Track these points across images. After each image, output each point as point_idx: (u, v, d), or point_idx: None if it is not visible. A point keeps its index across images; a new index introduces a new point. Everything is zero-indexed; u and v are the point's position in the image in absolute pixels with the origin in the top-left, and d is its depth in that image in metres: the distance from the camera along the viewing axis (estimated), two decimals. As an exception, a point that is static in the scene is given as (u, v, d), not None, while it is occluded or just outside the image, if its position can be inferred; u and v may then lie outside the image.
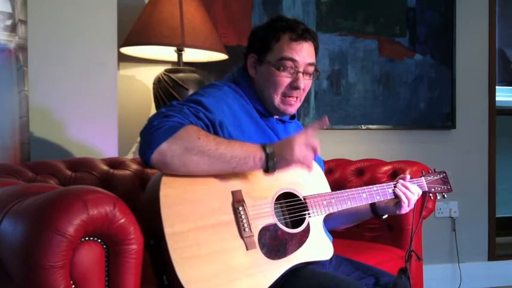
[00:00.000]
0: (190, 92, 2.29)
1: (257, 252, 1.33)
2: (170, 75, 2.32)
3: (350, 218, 1.75)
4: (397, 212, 1.66)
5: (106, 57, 2.28)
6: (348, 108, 3.02)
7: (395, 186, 1.66)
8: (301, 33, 1.52)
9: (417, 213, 1.80)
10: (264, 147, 1.32)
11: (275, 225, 1.38)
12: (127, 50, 2.39)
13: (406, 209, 1.65)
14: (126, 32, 2.33)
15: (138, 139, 2.69)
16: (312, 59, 1.55)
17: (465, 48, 3.29)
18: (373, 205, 1.68)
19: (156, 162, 1.25)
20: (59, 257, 1.02)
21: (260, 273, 1.31)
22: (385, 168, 2.27)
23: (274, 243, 1.36)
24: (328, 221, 1.62)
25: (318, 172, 1.58)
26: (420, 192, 1.69)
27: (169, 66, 2.46)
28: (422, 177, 1.78)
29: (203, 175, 1.30)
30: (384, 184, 1.66)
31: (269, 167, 1.32)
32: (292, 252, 1.39)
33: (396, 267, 1.66)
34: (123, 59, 2.50)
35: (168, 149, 1.24)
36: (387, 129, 3.15)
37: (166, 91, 2.30)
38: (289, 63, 1.51)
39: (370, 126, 3.09)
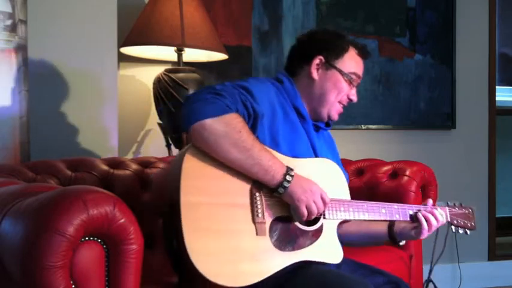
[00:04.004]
0: (190, 92, 2.29)
1: (266, 240, 1.34)
2: (170, 75, 2.31)
3: (366, 239, 1.68)
4: (416, 238, 1.59)
5: (106, 57, 2.28)
6: (348, 108, 2.97)
7: (418, 211, 1.58)
8: (365, 51, 1.65)
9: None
10: (286, 173, 1.36)
11: (289, 218, 1.40)
12: (127, 50, 2.39)
13: (425, 235, 1.57)
14: (126, 32, 2.33)
15: (138, 139, 2.71)
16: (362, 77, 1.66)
17: (465, 48, 3.29)
18: (391, 230, 1.61)
19: (193, 131, 1.31)
20: (59, 257, 1.02)
21: (265, 261, 1.33)
22: (385, 168, 2.27)
23: (285, 235, 1.38)
24: (344, 236, 1.58)
25: (341, 178, 1.58)
26: (444, 221, 1.63)
27: (169, 66, 2.46)
28: (447, 208, 1.72)
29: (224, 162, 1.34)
30: (405, 205, 1.61)
31: (278, 191, 1.36)
32: (300, 248, 1.40)
33: (396, 268, 1.66)
34: (123, 59, 2.50)
35: (209, 126, 1.30)
36: (387, 129, 3.15)
37: (167, 91, 2.30)
38: (355, 77, 1.61)
39: (370, 126, 3.09)
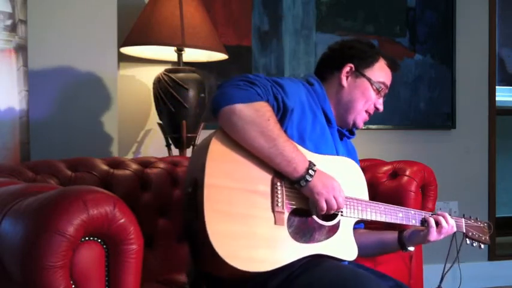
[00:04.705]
0: (191, 92, 2.29)
1: (283, 229, 1.36)
2: (170, 75, 2.31)
3: (374, 247, 1.69)
4: (424, 241, 1.60)
5: (106, 57, 2.28)
6: (348, 108, 3.02)
7: (432, 215, 1.61)
8: (394, 62, 1.70)
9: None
10: (309, 167, 1.38)
11: (307, 211, 1.42)
12: (127, 50, 2.39)
13: (434, 235, 1.58)
14: (126, 32, 2.33)
15: (138, 139, 2.71)
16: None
17: (465, 48, 3.29)
18: (400, 236, 1.63)
19: (223, 114, 1.34)
20: (59, 257, 1.02)
21: (280, 250, 1.35)
22: (385, 168, 2.27)
23: (302, 227, 1.40)
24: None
25: (361, 179, 1.61)
26: (454, 228, 1.64)
27: (169, 66, 2.46)
28: (463, 219, 1.73)
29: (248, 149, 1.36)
30: (422, 211, 1.64)
31: (299, 184, 1.38)
32: (316, 242, 1.41)
33: (396, 268, 1.66)
34: (123, 59, 2.50)
35: (239, 111, 1.33)
36: (387, 129, 3.15)
37: (167, 91, 2.30)
38: (383, 87, 1.64)
39: (370, 126, 3.09)
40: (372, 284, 1.30)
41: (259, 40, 2.88)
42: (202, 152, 1.34)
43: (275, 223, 1.35)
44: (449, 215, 1.64)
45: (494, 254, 3.37)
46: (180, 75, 2.32)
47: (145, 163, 1.96)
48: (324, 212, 1.41)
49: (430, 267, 2.90)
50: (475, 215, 3.42)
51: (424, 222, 1.60)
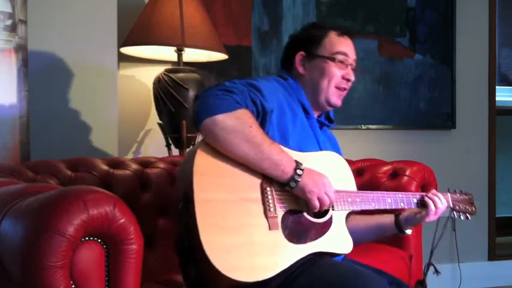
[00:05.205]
0: (191, 92, 2.29)
1: (278, 233, 1.36)
2: (170, 75, 2.31)
3: (373, 232, 1.71)
4: (422, 220, 1.63)
5: (106, 57, 2.28)
6: (348, 108, 3.02)
7: (421, 197, 1.65)
8: (347, 29, 1.65)
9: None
10: (296, 167, 1.38)
11: (299, 211, 1.42)
12: (127, 50, 2.39)
13: (432, 216, 1.63)
14: (126, 32, 2.33)
15: (138, 139, 2.70)
16: (355, 56, 1.64)
17: (465, 48, 3.29)
18: (397, 219, 1.66)
19: (205, 127, 1.33)
20: (59, 257, 1.02)
21: (279, 254, 1.35)
22: (385, 168, 2.27)
23: (296, 228, 1.40)
24: (354, 232, 1.58)
25: (346, 170, 1.61)
26: (446, 205, 1.68)
27: (169, 66, 2.46)
28: (448, 194, 1.76)
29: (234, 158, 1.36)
30: (410, 193, 1.67)
31: (290, 185, 1.38)
32: (312, 240, 1.41)
33: (396, 268, 1.66)
34: (123, 59, 2.50)
35: (221, 122, 1.32)
36: (387, 129, 3.15)
37: (167, 91, 2.30)
38: (342, 57, 1.60)
39: (370, 126, 3.09)
40: (372, 281, 1.31)
41: (259, 40, 2.88)
42: (188, 167, 1.32)
43: (270, 229, 1.35)
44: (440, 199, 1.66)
45: (494, 254, 3.37)
46: (180, 75, 2.32)
47: (145, 163, 1.96)
48: (317, 210, 1.42)
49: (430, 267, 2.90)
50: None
51: (421, 204, 1.64)
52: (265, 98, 1.44)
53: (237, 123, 1.33)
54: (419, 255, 2.18)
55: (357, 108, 3.04)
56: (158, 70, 2.41)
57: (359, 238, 1.62)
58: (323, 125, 1.69)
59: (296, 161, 1.39)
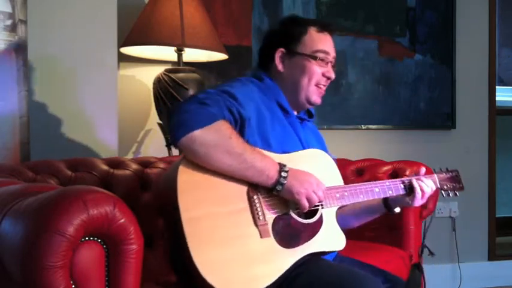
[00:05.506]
0: (191, 92, 2.29)
1: (271, 240, 1.35)
2: (170, 75, 2.32)
3: (362, 214, 1.73)
4: (410, 204, 1.65)
5: (106, 57, 2.28)
6: (348, 108, 3.02)
7: (409, 182, 1.65)
8: (327, 24, 1.61)
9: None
10: (280, 169, 1.36)
11: (289, 214, 1.41)
12: (127, 50, 2.39)
13: (419, 201, 1.63)
14: (126, 32, 2.33)
15: (138, 139, 2.70)
16: (335, 53, 1.62)
17: (465, 48, 3.29)
18: (385, 199, 1.67)
19: (183, 145, 1.30)
20: (59, 257, 1.02)
21: (274, 261, 1.34)
22: (385, 168, 2.27)
23: (288, 232, 1.39)
24: (341, 218, 1.61)
25: (331, 165, 1.60)
26: (434, 188, 1.69)
27: (169, 66, 2.46)
28: (435, 174, 1.77)
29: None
30: (397, 180, 1.66)
31: (276, 189, 1.37)
32: (305, 242, 1.41)
33: (396, 268, 1.66)
34: (123, 59, 2.50)
35: (199, 137, 1.29)
36: (387, 129, 3.15)
37: (167, 91, 2.30)
38: (323, 55, 1.57)
39: (370, 126, 3.09)
40: (368, 281, 1.32)
41: (259, 40, 2.87)
42: (171, 186, 1.30)
43: (261, 237, 1.34)
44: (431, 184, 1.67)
45: (494, 254, 3.37)
46: (180, 75, 2.32)
47: (145, 163, 1.96)
48: (306, 210, 1.41)
49: (430, 267, 2.91)
50: (475, 215, 3.43)
51: (409, 189, 1.63)
52: (242, 104, 1.41)
53: (215, 137, 1.30)
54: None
55: (357, 108, 3.04)
56: (158, 70, 2.41)
57: (349, 222, 1.65)
58: (303, 120, 1.67)
59: (279, 164, 1.38)
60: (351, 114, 3.03)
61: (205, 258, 1.25)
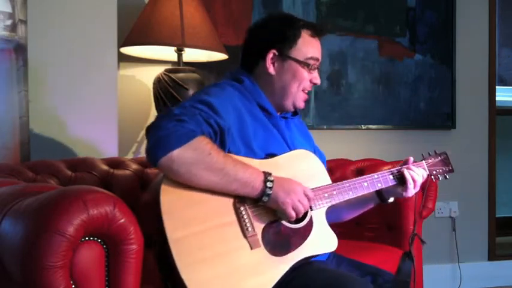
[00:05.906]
0: (190, 92, 2.29)
1: (262, 251, 1.34)
2: (170, 75, 2.32)
3: (355, 206, 1.70)
4: (403, 195, 1.63)
5: (106, 57, 2.28)
6: (348, 108, 3.02)
7: (398, 172, 1.63)
8: (320, 29, 1.58)
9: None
10: (265, 179, 1.34)
11: (277, 221, 1.39)
12: (127, 50, 2.39)
13: (412, 191, 1.62)
14: (126, 32, 2.33)
15: (138, 139, 2.70)
16: (321, 57, 1.60)
17: (465, 48, 3.29)
18: (378, 191, 1.65)
19: (163, 166, 1.27)
20: (59, 257, 1.02)
21: (267, 271, 1.33)
22: (385, 168, 2.26)
23: (278, 240, 1.37)
24: (333, 212, 1.59)
25: (318, 165, 1.56)
26: (425, 175, 1.67)
27: (169, 66, 2.46)
28: (423, 161, 1.74)
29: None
30: (385, 171, 1.63)
31: (262, 200, 1.35)
32: (296, 247, 1.39)
33: (396, 267, 1.66)
34: (123, 59, 2.50)
35: (178, 157, 1.25)
36: (387, 129, 3.15)
37: (167, 91, 2.30)
38: (313, 62, 1.56)
39: (370, 126, 3.09)
40: (355, 285, 1.32)
41: (259, 40, 2.88)
42: (154, 207, 1.27)
43: (251, 248, 1.32)
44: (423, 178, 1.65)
45: (494, 254, 3.36)
46: (180, 75, 2.32)
47: (145, 163, 1.96)
48: (294, 219, 1.39)
49: (430, 267, 2.91)
50: (475, 215, 3.43)
51: (399, 178, 1.62)
52: (220, 114, 1.37)
53: (194, 155, 1.27)
54: (419, 255, 2.18)
55: (357, 108, 3.04)
56: (158, 70, 2.41)
57: (340, 215, 1.64)
58: (287, 118, 1.63)
59: (264, 173, 1.35)
60: (351, 114, 3.03)
61: (195, 278, 1.23)
